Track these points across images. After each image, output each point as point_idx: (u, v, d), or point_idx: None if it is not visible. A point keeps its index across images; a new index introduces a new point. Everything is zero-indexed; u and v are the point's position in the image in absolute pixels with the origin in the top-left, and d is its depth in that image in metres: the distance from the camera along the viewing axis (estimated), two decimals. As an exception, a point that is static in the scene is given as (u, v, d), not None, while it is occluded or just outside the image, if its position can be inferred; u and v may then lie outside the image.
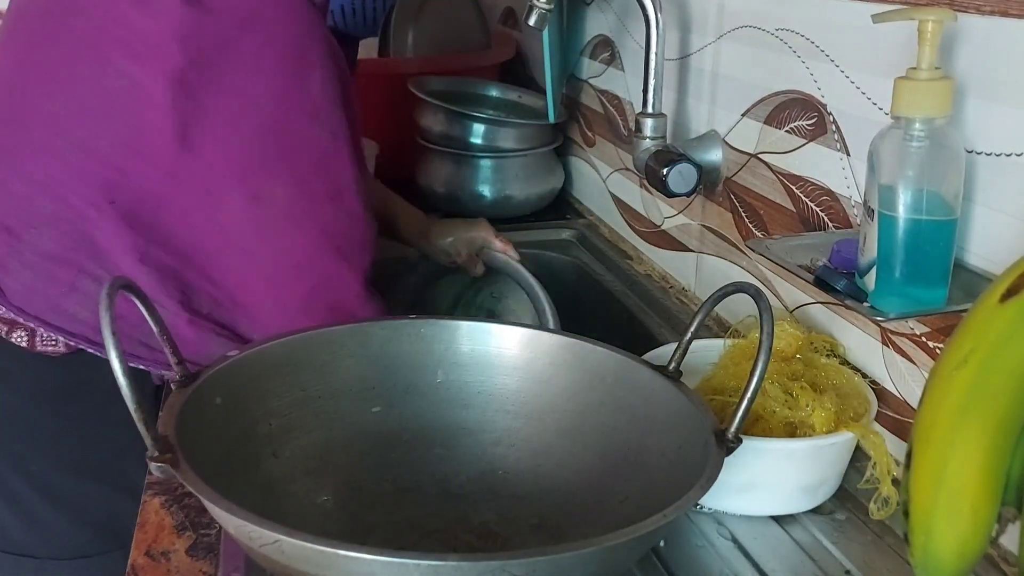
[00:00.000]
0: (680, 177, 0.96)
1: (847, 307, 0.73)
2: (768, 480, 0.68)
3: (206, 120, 0.77)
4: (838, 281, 0.69)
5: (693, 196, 1.03)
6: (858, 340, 0.79)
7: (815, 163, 0.84)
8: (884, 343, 0.76)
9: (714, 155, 1.00)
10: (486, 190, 1.38)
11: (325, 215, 0.83)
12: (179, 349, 0.62)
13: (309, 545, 0.48)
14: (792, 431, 0.70)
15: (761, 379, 0.59)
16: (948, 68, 0.66)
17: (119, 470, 0.88)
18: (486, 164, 1.37)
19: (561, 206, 1.46)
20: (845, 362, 0.78)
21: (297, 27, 0.80)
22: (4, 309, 0.82)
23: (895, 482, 0.68)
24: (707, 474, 0.56)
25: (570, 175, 1.49)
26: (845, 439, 0.68)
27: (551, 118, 1.35)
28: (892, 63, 0.69)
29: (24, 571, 0.91)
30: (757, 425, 0.71)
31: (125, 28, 0.77)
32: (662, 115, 1.03)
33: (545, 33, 1.22)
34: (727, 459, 0.58)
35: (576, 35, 1.40)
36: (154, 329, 0.60)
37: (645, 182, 1.03)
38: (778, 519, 0.70)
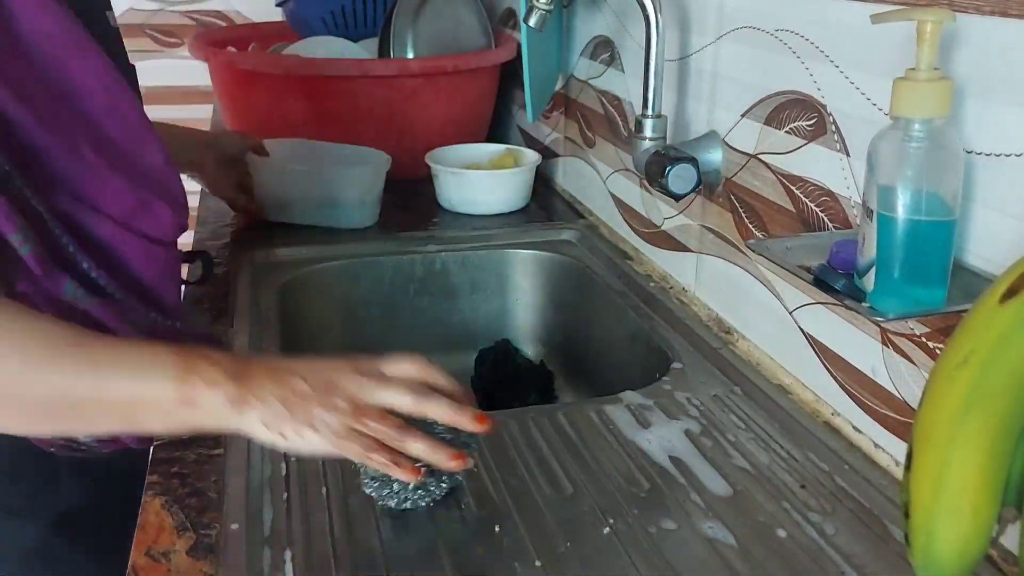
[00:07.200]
0: (680, 178, 0.96)
1: (847, 307, 0.73)
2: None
3: None
4: (837, 281, 0.69)
5: (693, 196, 1.03)
6: (858, 340, 0.79)
7: (815, 163, 0.84)
8: (884, 343, 0.76)
9: (714, 155, 1.01)
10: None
11: None
12: None
13: None
14: None
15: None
16: (947, 68, 0.66)
17: None
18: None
19: (562, 206, 1.46)
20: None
21: None
22: None
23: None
24: None
25: (570, 175, 1.48)
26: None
27: (530, 118, 1.35)
28: (892, 63, 0.69)
29: None
30: None
31: None
32: (662, 115, 1.03)
33: (523, 30, 1.22)
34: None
35: (575, 36, 1.40)
36: None
37: (645, 182, 1.02)
38: (778, 519, 0.70)
